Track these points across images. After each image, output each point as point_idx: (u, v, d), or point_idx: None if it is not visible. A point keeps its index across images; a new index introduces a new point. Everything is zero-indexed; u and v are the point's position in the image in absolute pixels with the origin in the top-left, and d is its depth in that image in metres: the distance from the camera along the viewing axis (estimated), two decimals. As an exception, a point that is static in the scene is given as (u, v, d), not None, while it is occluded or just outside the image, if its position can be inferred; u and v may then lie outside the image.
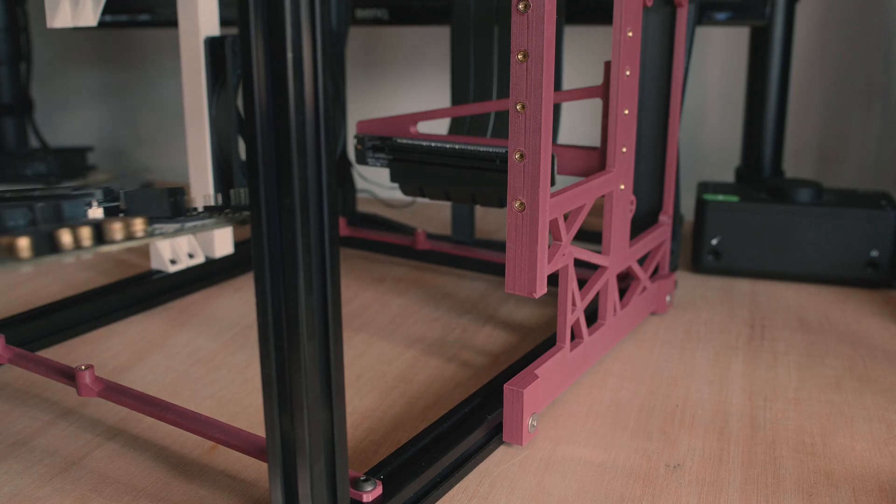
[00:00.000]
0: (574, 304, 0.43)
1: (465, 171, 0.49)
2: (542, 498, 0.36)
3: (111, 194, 0.37)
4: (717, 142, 0.91)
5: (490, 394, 0.41)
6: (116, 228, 0.36)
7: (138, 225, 0.37)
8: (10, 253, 0.35)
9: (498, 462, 0.39)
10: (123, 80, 1.13)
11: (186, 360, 0.50)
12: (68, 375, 0.41)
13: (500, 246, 0.64)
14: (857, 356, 0.51)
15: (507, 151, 0.38)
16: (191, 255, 0.60)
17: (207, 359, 0.50)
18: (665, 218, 0.56)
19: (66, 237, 0.35)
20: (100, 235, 0.36)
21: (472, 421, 0.39)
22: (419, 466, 0.35)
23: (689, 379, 0.47)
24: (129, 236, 0.37)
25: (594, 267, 0.47)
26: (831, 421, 0.43)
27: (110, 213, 0.37)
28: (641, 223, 0.54)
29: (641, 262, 0.53)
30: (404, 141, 0.52)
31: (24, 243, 0.35)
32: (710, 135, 0.91)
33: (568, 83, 0.70)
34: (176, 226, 0.40)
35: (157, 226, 0.39)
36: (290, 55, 0.25)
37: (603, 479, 0.37)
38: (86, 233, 0.36)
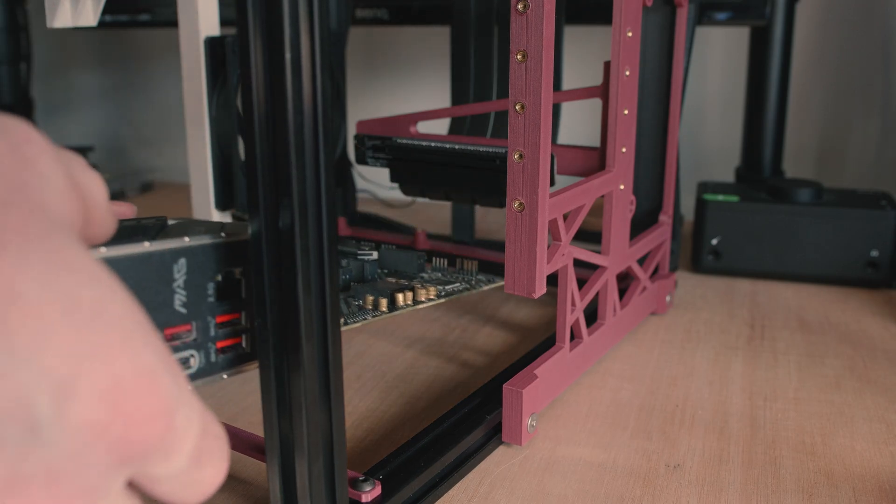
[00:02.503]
0: (574, 304, 0.43)
1: (465, 171, 0.49)
2: (542, 498, 0.36)
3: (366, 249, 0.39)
4: (717, 142, 0.91)
5: (489, 394, 0.41)
6: (423, 293, 0.44)
7: (432, 292, 0.44)
8: (375, 308, 0.42)
9: (498, 462, 0.39)
10: (123, 80, 1.13)
11: (186, 361, 0.50)
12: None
13: (500, 246, 0.64)
14: (857, 356, 0.50)
15: (506, 151, 0.38)
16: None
17: (207, 359, 0.50)
18: (665, 218, 0.56)
19: (400, 299, 0.43)
20: (394, 301, 0.43)
21: (472, 421, 0.39)
22: (418, 466, 0.35)
23: (689, 379, 0.47)
24: (419, 301, 0.44)
25: (594, 267, 0.47)
26: (831, 421, 0.43)
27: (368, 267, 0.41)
28: (641, 223, 0.54)
29: (641, 262, 0.53)
30: (404, 141, 0.52)
31: (383, 302, 0.42)
32: (710, 135, 0.91)
33: (568, 83, 0.70)
34: (456, 285, 0.46)
35: (443, 288, 0.45)
36: (288, 55, 0.25)
37: (603, 479, 0.37)
38: (405, 297, 0.44)
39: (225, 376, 0.29)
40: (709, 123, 0.91)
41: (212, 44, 0.54)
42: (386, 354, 0.51)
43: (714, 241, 0.64)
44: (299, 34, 0.25)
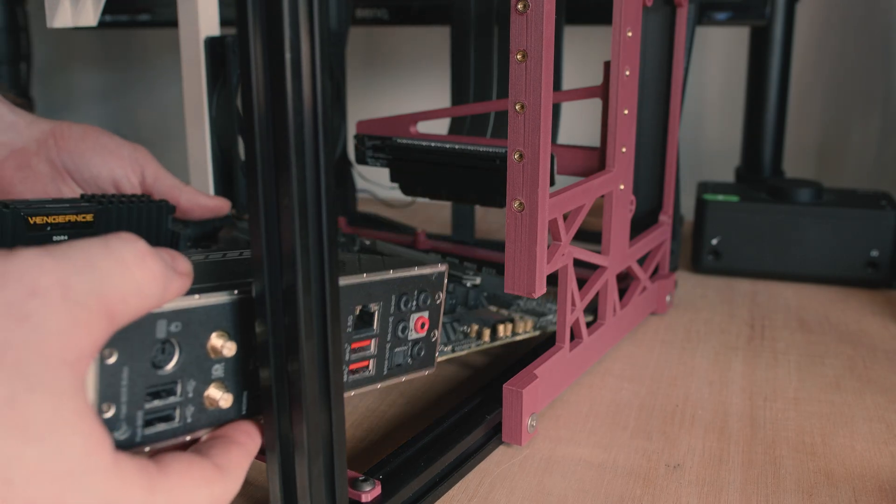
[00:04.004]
0: (574, 304, 0.43)
1: (466, 171, 0.49)
2: (542, 498, 0.36)
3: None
4: (717, 142, 0.91)
5: (489, 394, 0.41)
6: (521, 326, 0.47)
7: (529, 325, 0.47)
8: (479, 337, 0.45)
9: (498, 462, 0.39)
10: (123, 80, 1.13)
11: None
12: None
13: (500, 246, 0.64)
14: (857, 356, 0.50)
15: (506, 151, 0.38)
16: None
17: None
18: (665, 218, 0.56)
19: (501, 331, 0.46)
20: (495, 332, 0.46)
21: (472, 421, 0.39)
22: (418, 466, 0.35)
23: (689, 379, 0.47)
24: (516, 333, 0.47)
25: (594, 267, 0.47)
26: (831, 421, 0.43)
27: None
28: (641, 223, 0.54)
29: (641, 262, 0.53)
30: (404, 141, 0.52)
31: (486, 332, 0.46)
32: (710, 135, 0.91)
33: (568, 83, 0.70)
34: (550, 317, 0.49)
35: (538, 320, 0.48)
36: (288, 55, 0.25)
37: (603, 479, 0.37)
38: (505, 329, 0.47)
39: (352, 394, 0.33)
40: (709, 123, 0.91)
41: (212, 44, 0.54)
42: (386, 354, 0.51)
43: (714, 241, 0.64)
44: (299, 34, 0.25)
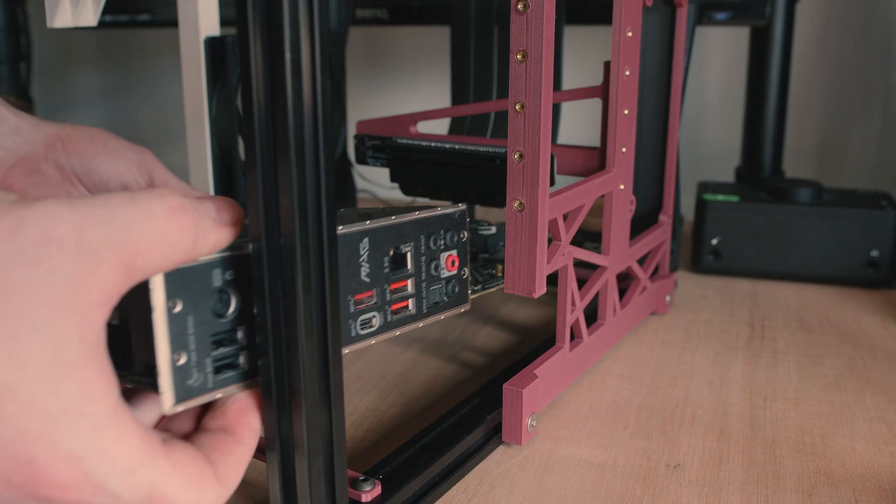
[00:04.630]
0: (574, 304, 0.43)
1: (466, 171, 0.49)
2: (542, 498, 0.36)
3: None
4: (717, 142, 0.91)
5: (489, 394, 0.41)
6: None
7: None
8: (504, 275, 0.43)
9: (498, 462, 0.39)
10: (123, 80, 1.13)
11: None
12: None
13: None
14: (857, 356, 0.50)
15: (506, 151, 0.38)
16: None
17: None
18: (665, 218, 0.56)
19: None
20: None
21: (472, 421, 0.39)
22: (418, 466, 0.35)
23: (689, 379, 0.47)
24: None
25: (594, 267, 0.47)
26: (831, 421, 0.43)
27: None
28: (641, 223, 0.54)
29: (641, 262, 0.53)
30: (404, 141, 0.52)
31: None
32: (710, 135, 0.91)
33: (568, 83, 0.70)
34: None
35: None
36: (288, 55, 0.25)
37: (603, 479, 0.37)
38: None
39: (398, 333, 0.36)
40: (709, 123, 0.91)
41: (212, 44, 0.54)
42: (386, 354, 0.51)
43: (714, 241, 0.64)
44: (299, 34, 0.25)
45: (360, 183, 0.73)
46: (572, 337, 0.45)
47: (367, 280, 0.34)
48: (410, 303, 0.36)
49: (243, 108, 0.26)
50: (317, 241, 0.27)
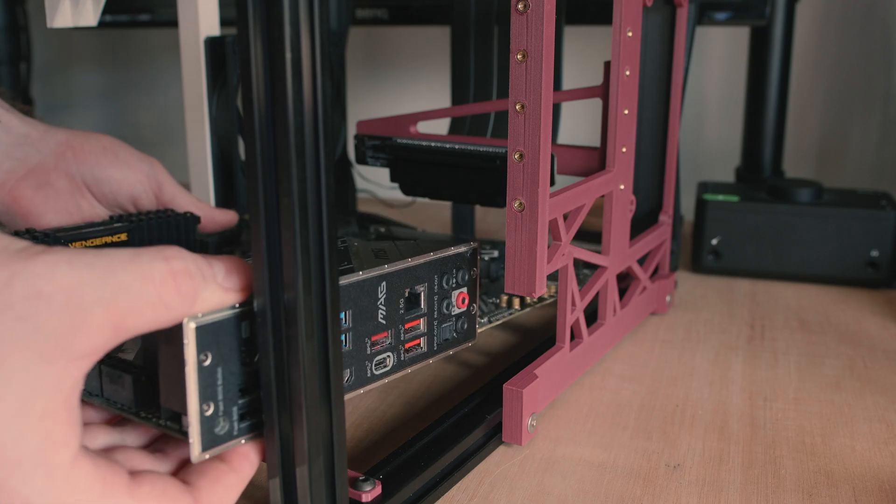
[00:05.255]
0: (574, 304, 0.43)
1: (466, 171, 0.49)
2: (542, 498, 0.36)
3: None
4: (717, 142, 0.91)
5: (489, 394, 0.41)
6: (546, 291, 0.45)
7: (552, 289, 0.48)
8: (510, 306, 0.47)
9: (498, 462, 0.39)
10: (123, 80, 1.13)
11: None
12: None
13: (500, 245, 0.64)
14: (857, 356, 0.50)
15: (507, 151, 0.38)
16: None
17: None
18: (665, 218, 0.56)
19: (528, 297, 0.45)
20: (523, 299, 0.48)
21: (472, 421, 0.39)
22: (418, 466, 0.35)
23: (689, 379, 0.47)
24: (542, 298, 0.48)
25: (594, 267, 0.47)
26: (831, 421, 0.43)
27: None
28: (641, 223, 0.54)
29: (641, 262, 0.53)
30: (404, 141, 0.52)
31: (516, 301, 0.47)
32: (710, 135, 0.91)
33: (568, 83, 0.70)
34: None
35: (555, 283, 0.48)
36: (288, 55, 0.25)
37: (603, 479, 0.37)
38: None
39: (409, 370, 0.36)
40: (709, 123, 0.91)
41: (212, 44, 0.54)
42: (386, 354, 0.51)
43: (714, 241, 0.64)
44: (300, 34, 0.25)
45: (360, 183, 0.73)
46: (572, 337, 0.45)
47: (384, 322, 0.34)
48: (422, 341, 0.37)
49: (243, 107, 0.26)
50: (317, 241, 0.27)
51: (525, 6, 0.35)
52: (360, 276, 0.33)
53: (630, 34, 0.44)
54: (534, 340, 0.53)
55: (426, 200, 0.53)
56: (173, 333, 0.27)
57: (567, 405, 0.44)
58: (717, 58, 0.89)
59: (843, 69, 0.86)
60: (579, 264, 0.54)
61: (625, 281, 0.53)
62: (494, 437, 0.40)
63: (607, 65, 0.45)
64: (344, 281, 0.32)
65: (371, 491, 0.32)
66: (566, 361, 0.43)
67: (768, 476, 0.38)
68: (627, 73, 0.45)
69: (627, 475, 0.38)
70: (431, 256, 0.36)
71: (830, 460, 0.39)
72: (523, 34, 0.35)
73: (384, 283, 0.34)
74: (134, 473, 0.27)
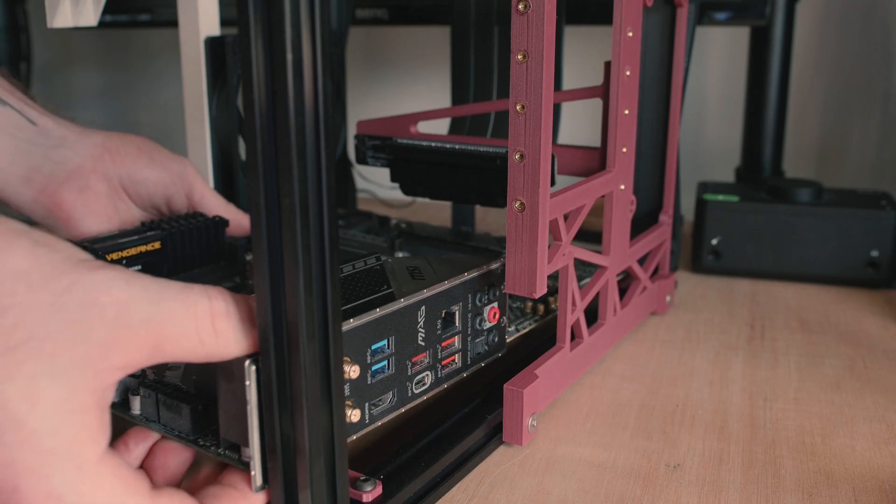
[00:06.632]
0: (574, 304, 0.43)
1: (466, 171, 0.49)
2: (542, 498, 0.36)
3: None
4: (717, 142, 0.91)
5: (490, 394, 0.41)
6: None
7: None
8: (534, 313, 0.48)
9: (498, 462, 0.39)
10: (123, 80, 1.13)
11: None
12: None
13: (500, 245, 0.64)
14: (857, 356, 0.51)
15: (507, 151, 0.38)
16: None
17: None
18: (665, 218, 0.56)
19: (552, 302, 0.48)
20: (548, 305, 0.48)
21: (472, 421, 0.39)
22: (419, 466, 0.35)
23: (690, 379, 0.47)
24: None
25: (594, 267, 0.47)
26: (831, 421, 0.43)
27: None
28: (641, 223, 0.54)
29: (641, 262, 0.53)
30: (404, 141, 0.52)
31: (540, 307, 0.48)
32: (710, 135, 0.91)
33: (568, 83, 0.70)
34: (587, 280, 0.48)
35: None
36: (289, 56, 0.25)
37: (603, 479, 0.37)
38: (555, 300, 0.48)
39: (445, 386, 0.38)
40: (709, 123, 0.91)
41: (212, 44, 0.54)
42: (386, 354, 0.51)
43: (714, 241, 0.64)
44: (301, 34, 0.25)
45: (360, 183, 0.73)
46: (573, 337, 0.45)
47: (423, 343, 0.36)
48: (457, 357, 0.38)
49: (245, 108, 0.26)
50: (318, 241, 0.27)
51: (526, 6, 0.35)
52: (402, 303, 0.34)
53: (630, 34, 0.44)
54: (534, 340, 0.53)
55: (426, 200, 0.53)
56: (234, 372, 0.28)
57: (567, 405, 0.44)
58: (717, 58, 0.89)
59: (843, 69, 0.86)
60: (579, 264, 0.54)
61: (625, 281, 0.53)
62: (495, 437, 0.40)
63: (607, 65, 0.45)
64: (388, 310, 0.33)
65: (372, 491, 0.32)
66: (566, 361, 0.43)
67: (768, 476, 0.38)
68: (628, 73, 0.45)
69: (627, 475, 0.38)
70: (465, 277, 0.38)
71: (830, 460, 0.39)
72: (524, 34, 0.35)
73: (424, 307, 0.35)
74: (154, 486, 0.28)
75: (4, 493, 0.24)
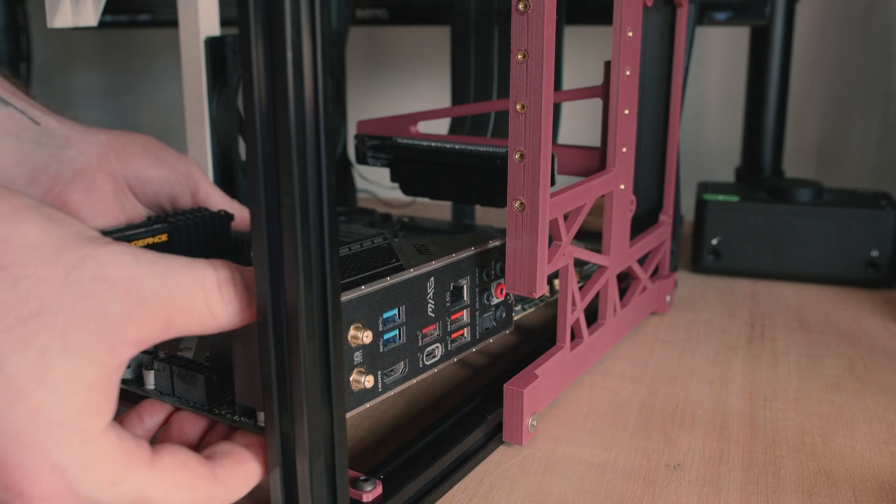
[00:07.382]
0: (574, 303, 0.43)
1: (466, 171, 0.49)
2: (542, 498, 0.36)
3: None
4: (717, 142, 0.91)
5: (490, 394, 0.41)
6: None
7: (577, 276, 0.48)
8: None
9: (498, 462, 0.39)
10: (123, 80, 1.13)
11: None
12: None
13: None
14: (857, 356, 0.51)
15: (507, 151, 0.38)
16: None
17: (207, 359, 0.50)
18: (665, 218, 0.56)
19: (556, 284, 0.47)
20: (553, 287, 0.48)
21: (472, 421, 0.39)
22: (419, 466, 0.35)
23: (690, 379, 0.47)
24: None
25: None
26: (831, 421, 0.43)
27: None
28: (641, 223, 0.54)
29: (642, 261, 0.53)
30: (404, 141, 0.52)
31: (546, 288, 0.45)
32: (710, 135, 0.91)
33: (568, 83, 0.70)
34: (590, 266, 0.51)
35: (580, 269, 0.52)
36: (289, 55, 0.25)
37: (603, 479, 0.37)
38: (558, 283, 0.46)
39: (455, 360, 0.38)
40: (709, 123, 0.91)
41: (212, 44, 0.54)
42: (386, 354, 0.51)
43: (714, 241, 0.64)
44: (301, 34, 0.25)
45: (360, 183, 0.73)
46: (573, 337, 0.45)
47: (432, 315, 0.36)
48: (466, 331, 0.39)
49: (245, 108, 0.26)
50: (318, 241, 0.27)
51: (526, 6, 0.35)
52: (412, 272, 0.35)
53: (630, 34, 0.44)
54: (534, 340, 0.53)
55: (426, 200, 0.53)
56: (248, 333, 0.28)
57: (567, 405, 0.44)
58: (717, 58, 0.89)
59: (843, 69, 0.86)
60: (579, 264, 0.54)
61: (625, 281, 0.53)
62: (495, 437, 0.40)
63: (607, 65, 0.45)
64: (398, 278, 0.34)
65: (372, 491, 0.32)
66: (566, 361, 0.43)
67: (768, 476, 0.38)
68: (627, 73, 0.45)
69: (627, 475, 0.38)
70: (472, 251, 0.38)
71: (830, 460, 0.39)
72: (524, 34, 0.35)
73: (432, 278, 0.36)
74: (156, 447, 0.28)
75: (7, 469, 0.24)
